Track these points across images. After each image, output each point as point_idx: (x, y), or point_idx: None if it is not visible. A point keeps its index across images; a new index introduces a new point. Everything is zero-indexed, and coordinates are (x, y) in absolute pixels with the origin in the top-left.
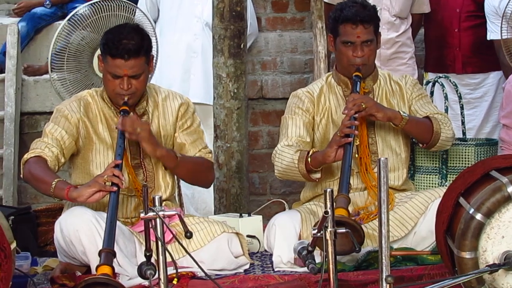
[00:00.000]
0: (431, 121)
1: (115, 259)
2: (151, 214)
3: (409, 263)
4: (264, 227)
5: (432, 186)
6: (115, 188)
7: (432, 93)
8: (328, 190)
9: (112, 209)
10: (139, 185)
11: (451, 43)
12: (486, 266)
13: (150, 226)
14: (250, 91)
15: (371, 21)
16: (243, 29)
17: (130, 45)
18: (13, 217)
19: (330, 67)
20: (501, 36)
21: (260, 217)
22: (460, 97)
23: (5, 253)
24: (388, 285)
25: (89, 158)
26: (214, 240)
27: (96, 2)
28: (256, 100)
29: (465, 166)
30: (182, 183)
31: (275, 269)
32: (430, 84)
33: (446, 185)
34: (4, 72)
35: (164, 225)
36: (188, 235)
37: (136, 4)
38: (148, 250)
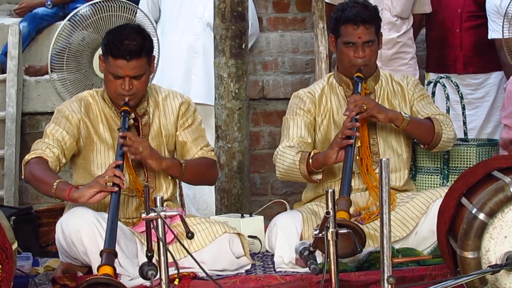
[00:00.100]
0: (433, 122)
1: (116, 260)
2: (152, 214)
3: (411, 264)
4: (266, 227)
5: (434, 187)
6: (116, 189)
7: (433, 93)
8: (330, 190)
9: (113, 210)
10: (140, 186)
11: (452, 44)
12: (489, 266)
13: (152, 226)
14: (252, 91)
15: (373, 22)
16: (244, 29)
17: (132, 46)
18: (14, 217)
19: (331, 68)
20: (503, 35)
21: (262, 217)
22: (461, 98)
23: (6, 253)
24: (389, 285)
25: (90, 158)
26: (215, 240)
27: (97, 2)
28: (257, 101)
29: (466, 167)
30: (183, 183)
31: (277, 270)
32: (432, 84)
33: (447, 186)
34: (5, 73)
35: (166, 226)
36: (190, 235)
37: (138, 4)
38: (149, 250)
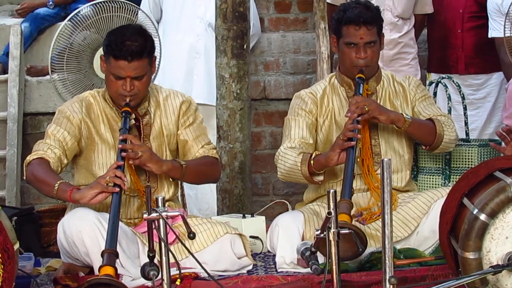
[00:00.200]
0: (434, 123)
1: (118, 260)
2: (154, 215)
3: (412, 264)
4: (267, 227)
5: (436, 187)
6: (117, 189)
7: (435, 93)
8: (331, 191)
9: (115, 210)
10: (141, 186)
11: (454, 44)
12: (490, 266)
13: (153, 227)
14: (253, 91)
15: (374, 22)
16: (246, 30)
17: (133, 47)
18: (16, 217)
19: (333, 68)
20: (504, 34)
21: (263, 217)
22: (463, 98)
23: (8, 253)
24: (391, 286)
25: (91, 158)
26: (217, 241)
27: (98, 2)
28: (259, 101)
29: (468, 167)
30: (185, 183)
31: (278, 270)
32: (433, 84)
33: (449, 186)
34: (7, 73)
35: (167, 226)
36: (191, 236)
37: (139, 4)
38: (151, 251)
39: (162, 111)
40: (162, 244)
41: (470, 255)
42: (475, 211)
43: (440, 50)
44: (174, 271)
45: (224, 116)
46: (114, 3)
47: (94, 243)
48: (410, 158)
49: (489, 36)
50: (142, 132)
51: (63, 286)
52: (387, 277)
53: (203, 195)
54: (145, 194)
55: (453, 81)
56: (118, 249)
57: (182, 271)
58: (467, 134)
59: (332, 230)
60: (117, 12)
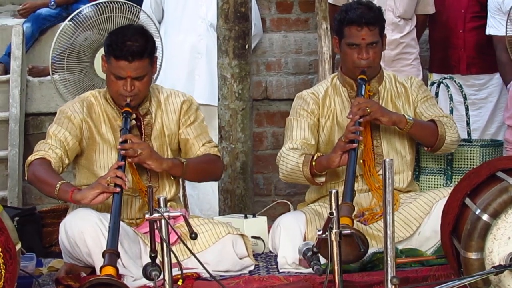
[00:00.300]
0: (436, 124)
1: (120, 261)
2: (156, 215)
3: (414, 264)
4: (269, 228)
5: (437, 187)
6: (118, 189)
7: (437, 94)
8: (333, 191)
9: (116, 210)
10: (143, 186)
11: (455, 44)
12: (492, 267)
13: (155, 227)
14: (255, 92)
15: (376, 23)
16: (247, 30)
17: (134, 47)
18: (18, 218)
19: (334, 68)
20: (506, 32)
21: (265, 218)
22: (465, 98)
23: (10, 254)
24: (393, 286)
25: (93, 158)
26: (219, 241)
27: (100, 3)
28: (260, 101)
29: (470, 167)
30: (187, 184)
31: (280, 270)
32: (435, 85)
33: (451, 186)
34: (9, 73)
35: (169, 226)
36: (193, 236)
37: (141, 5)
38: (153, 251)
39: (163, 110)
40: (164, 244)
41: (473, 256)
42: (478, 212)
43: (442, 50)
44: (176, 272)
45: (225, 116)
46: (115, 4)
47: (96, 244)
48: (412, 159)
49: (486, 33)
50: (143, 132)
51: (65, 286)
52: (389, 277)
53: (205, 196)
54: (147, 194)
55: (455, 81)
56: (120, 249)
57: (184, 271)
58: (469, 134)
59: (334, 230)
60: (119, 12)
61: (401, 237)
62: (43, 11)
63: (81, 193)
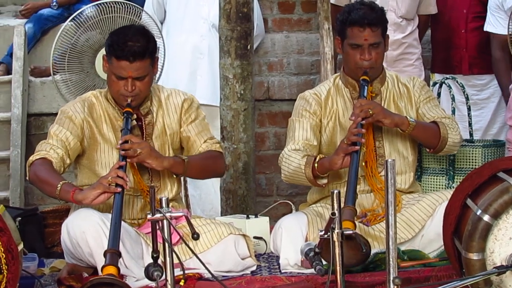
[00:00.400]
0: (438, 126)
1: (122, 261)
2: (158, 215)
3: (416, 265)
4: (271, 228)
5: (439, 188)
6: (119, 189)
7: (439, 94)
8: (335, 191)
9: (117, 210)
10: (145, 186)
11: (458, 44)
12: (494, 267)
13: (157, 227)
14: (257, 92)
15: (379, 24)
16: (249, 30)
17: (135, 47)
18: (20, 218)
19: (336, 69)
20: (508, 31)
21: (267, 218)
22: (467, 98)
23: (12, 254)
24: (395, 286)
25: (94, 158)
26: (221, 241)
27: (102, 3)
28: (262, 101)
29: (472, 168)
30: (189, 184)
31: (282, 271)
32: (437, 85)
33: (453, 187)
34: (11, 74)
35: (171, 227)
36: (195, 236)
37: (143, 5)
38: (155, 251)
39: (164, 110)
40: (166, 244)
41: (474, 256)
42: (479, 212)
43: (444, 50)
44: (178, 272)
45: (227, 116)
46: (117, 4)
47: (98, 244)
48: (414, 160)
49: (484, 29)
50: (144, 131)
51: (67, 286)
52: (391, 278)
53: (207, 196)
54: (149, 195)
55: (457, 82)
56: (122, 249)
57: (186, 271)
58: (471, 134)
59: (336, 230)
60: (120, 13)
61: (403, 238)
62: (45, 11)
63: (82, 193)
